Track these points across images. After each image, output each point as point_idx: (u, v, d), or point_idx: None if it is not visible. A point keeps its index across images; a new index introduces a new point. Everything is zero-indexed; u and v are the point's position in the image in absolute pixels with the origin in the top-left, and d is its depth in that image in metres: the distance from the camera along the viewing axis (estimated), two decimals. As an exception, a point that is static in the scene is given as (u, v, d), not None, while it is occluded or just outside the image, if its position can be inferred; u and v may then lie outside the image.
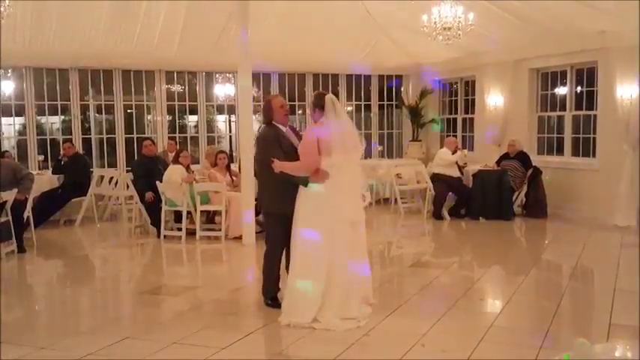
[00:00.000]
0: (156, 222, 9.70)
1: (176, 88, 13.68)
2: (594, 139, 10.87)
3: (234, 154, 13.60)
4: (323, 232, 5.40)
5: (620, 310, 5.62)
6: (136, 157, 12.03)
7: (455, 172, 11.26)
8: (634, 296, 6.17)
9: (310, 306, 5.31)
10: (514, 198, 11.07)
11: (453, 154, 11.31)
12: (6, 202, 8.32)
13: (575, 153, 11.36)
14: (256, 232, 9.14)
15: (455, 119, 14.45)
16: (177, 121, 13.85)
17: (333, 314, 5.25)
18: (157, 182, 9.52)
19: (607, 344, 4.48)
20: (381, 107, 15.36)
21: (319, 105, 5.54)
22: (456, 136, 13.86)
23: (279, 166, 5.53)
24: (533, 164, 11.08)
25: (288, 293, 5.51)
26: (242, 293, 6.71)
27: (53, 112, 12.80)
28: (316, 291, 5.34)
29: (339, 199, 5.43)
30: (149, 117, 13.72)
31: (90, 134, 13.05)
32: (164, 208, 9.52)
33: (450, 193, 11.24)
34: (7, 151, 11.37)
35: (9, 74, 12.34)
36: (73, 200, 10.81)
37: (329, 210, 5.41)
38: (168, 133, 13.43)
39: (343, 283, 5.35)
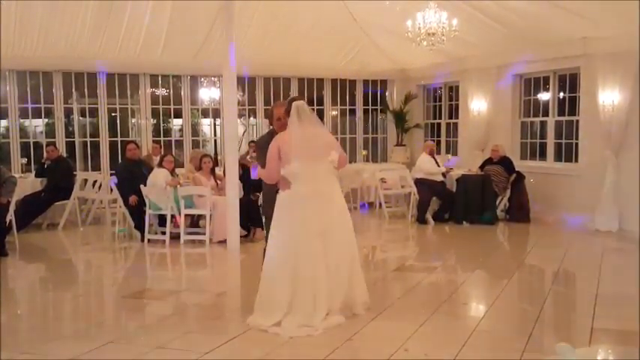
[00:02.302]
0: (140, 226, 9.67)
1: (161, 91, 13.64)
2: (576, 144, 10.97)
3: (219, 157, 13.57)
4: (287, 241, 5.41)
5: (602, 314, 5.66)
6: (119, 161, 11.98)
7: (438, 177, 11.33)
8: (616, 300, 6.23)
9: (275, 310, 5.34)
10: (497, 202, 11.15)
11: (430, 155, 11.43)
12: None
13: (558, 158, 11.45)
14: (241, 237, 9.15)
15: (439, 124, 14.53)
16: (161, 124, 13.81)
17: (297, 324, 5.23)
18: (141, 186, 9.49)
19: (589, 348, 4.52)
20: (365, 112, 15.42)
21: (287, 111, 5.56)
22: (439, 141, 14.00)
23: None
24: (516, 169, 11.17)
25: (258, 293, 5.54)
26: (226, 297, 6.70)
27: (37, 115, 12.71)
28: (280, 297, 5.36)
29: (301, 209, 5.40)
30: (133, 120, 13.66)
31: (73, 137, 12.97)
32: (148, 211, 9.49)
33: (434, 198, 11.30)
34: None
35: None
36: (56, 204, 10.73)
37: (291, 220, 5.42)
38: (153, 136, 13.39)
39: (309, 294, 5.31)
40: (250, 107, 14.29)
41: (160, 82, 13.51)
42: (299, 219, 5.39)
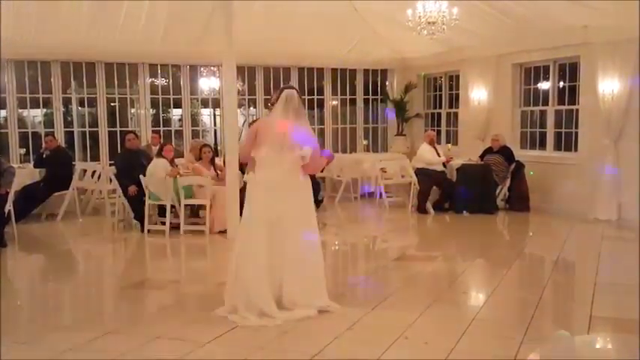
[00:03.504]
0: (139, 216, 9.66)
1: (160, 81, 13.59)
2: (576, 133, 10.94)
3: (218, 147, 13.55)
4: (242, 225, 5.54)
5: (600, 302, 5.67)
6: (119, 151, 11.96)
7: (439, 167, 11.32)
8: (615, 289, 6.24)
9: (227, 296, 5.46)
10: (497, 192, 11.14)
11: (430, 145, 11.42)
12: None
13: (558, 147, 11.43)
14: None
15: (439, 114, 14.49)
16: (161, 114, 13.77)
17: (245, 308, 5.24)
18: (141, 176, 9.47)
19: (588, 336, 4.52)
20: (366, 101, 15.36)
21: (278, 97, 5.57)
22: (439, 131, 13.98)
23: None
24: (516, 158, 11.15)
25: None
26: (226, 287, 6.68)
27: (35, 105, 12.68)
28: (229, 281, 5.47)
29: (258, 195, 5.44)
30: (132, 110, 13.63)
31: (72, 127, 12.94)
32: (148, 202, 9.48)
33: (434, 187, 11.29)
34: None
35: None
36: (55, 194, 10.72)
37: (248, 205, 5.49)
38: (152, 126, 13.34)
39: (246, 279, 5.31)
40: (250, 97, 14.26)
41: (159, 71, 13.45)
42: (252, 204, 5.44)
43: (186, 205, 9.53)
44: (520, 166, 11.09)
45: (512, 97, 12.10)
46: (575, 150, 10.94)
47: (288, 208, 5.43)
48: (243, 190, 9.13)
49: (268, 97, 13.79)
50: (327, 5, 12.10)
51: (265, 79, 14.12)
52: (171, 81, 13.63)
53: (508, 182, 11.15)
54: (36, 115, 13.10)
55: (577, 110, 10.89)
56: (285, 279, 5.39)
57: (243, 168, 9.43)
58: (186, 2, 11.39)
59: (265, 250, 5.33)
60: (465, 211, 10.83)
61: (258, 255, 5.33)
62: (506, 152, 11.16)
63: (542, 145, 11.74)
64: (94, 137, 12.91)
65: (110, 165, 11.46)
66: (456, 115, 13.86)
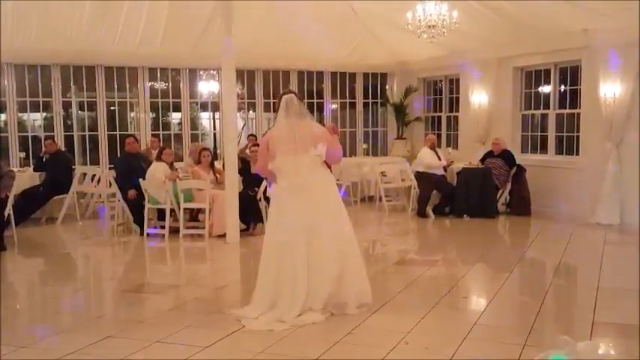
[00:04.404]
0: (139, 220, 9.63)
1: (159, 85, 13.58)
2: (578, 137, 10.91)
3: (218, 151, 13.53)
4: (272, 235, 5.48)
5: (603, 307, 5.63)
6: (118, 155, 11.94)
7: (439, 170, 11.29)
8: (617, 294, 6.21)
9: (259, 304, 5.42)
10: (498, 196, 11.11)
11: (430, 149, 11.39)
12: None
13: (559, 151, 11.40)
14: (240, 231, 9.11)
15: (439, 117, 14.48)
16: (160, 118, 13.75)
17: (271, 318, 5.24)
18: (140, 180, 9.45)
19: (590, 342, 4.49)
20: (365, 105, 15.36)
21: (278, 105, 5.57)
22: (439, 134, 13.95)
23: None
24: (517, 162, 11.12)
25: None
26: (225, 291, 6.67)
27: (35, 108, 12.67)
28: (265, 292, 5.42)
29: (284, 203, 5.42)
30: (132, 114, 13.62)
31: (72, 131, 12.93)
32: (147, 205, 9.45)
33: (435, 191, 11.26)
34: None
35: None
36: (54, 198, 10.70)
37: (276, 214, 5.47)
38: (152, 130, 13.34)
39: (288, 290, 5.31)
40: (250, 101, 14.24)
41: (158, 75, 13.44)
42: (282, 213, 5.42)
43: (185, 209, 9.50)
44: (521, 170, 11.06)
45: (513, 100, 12.08)
46: (577, 154, 10.92)
47: (320, 209, 5.43)
48: (242, 194, 9.20)
49: (267, 100, 13.83)
50: (326, 8, 12.09)
51: (265, 82, 14.14)
52: (170, 85, 13.62)
53: (509, 186, 11.11)
54: (36, 118, 13.09)
55: (578, 114, 10.87)
56: (319, 281, 5.35)
57: (240, 171, 9.46)
58: (186, 5, 11.38)
59: (306, 255, 5.32)
60: (465, 215, 10.80)
61: (296, 263, 5.31)
62: (507, 156, 11.13)
63: (544, 149, 11.71)
64: (94, 141, 12.90)
65: (110, 169, 11.46)
66: (456, 118, 13.85)
